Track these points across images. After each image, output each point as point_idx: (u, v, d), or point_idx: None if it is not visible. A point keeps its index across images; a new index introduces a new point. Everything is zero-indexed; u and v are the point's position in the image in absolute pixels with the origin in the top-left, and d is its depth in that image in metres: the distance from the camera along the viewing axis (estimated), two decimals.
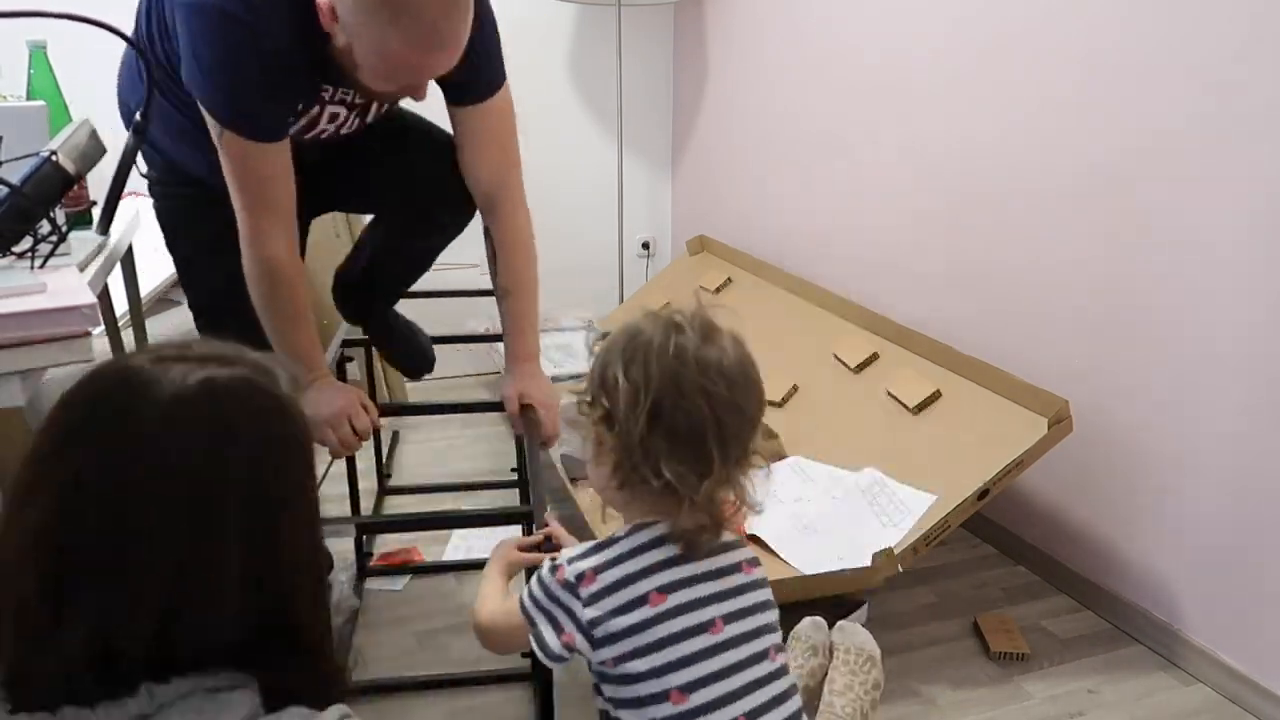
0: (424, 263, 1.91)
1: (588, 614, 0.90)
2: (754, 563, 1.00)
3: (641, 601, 0.90)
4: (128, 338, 2.04)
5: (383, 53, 1.21)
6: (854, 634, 1.40)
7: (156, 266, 2.48)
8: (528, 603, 0.96)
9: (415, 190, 1.67)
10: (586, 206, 3.65)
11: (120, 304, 2.05)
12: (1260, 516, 1.65)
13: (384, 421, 2.07)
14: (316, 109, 1.44)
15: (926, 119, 2.34)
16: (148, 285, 2.38)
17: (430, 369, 1.98)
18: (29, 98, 1.57)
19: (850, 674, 1.35)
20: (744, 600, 0.95)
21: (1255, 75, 1.57)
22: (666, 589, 0.91)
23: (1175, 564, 1.81)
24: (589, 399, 0.96)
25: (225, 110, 1.32)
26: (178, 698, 0.62)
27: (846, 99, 2.66)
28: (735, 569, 0.96)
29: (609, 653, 0.90)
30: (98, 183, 1.51)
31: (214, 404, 0.64)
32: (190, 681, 0.64)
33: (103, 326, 1.77)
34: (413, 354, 2.00)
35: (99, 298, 1.43)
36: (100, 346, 1.92)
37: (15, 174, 1.19)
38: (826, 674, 1.40)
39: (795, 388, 2.33)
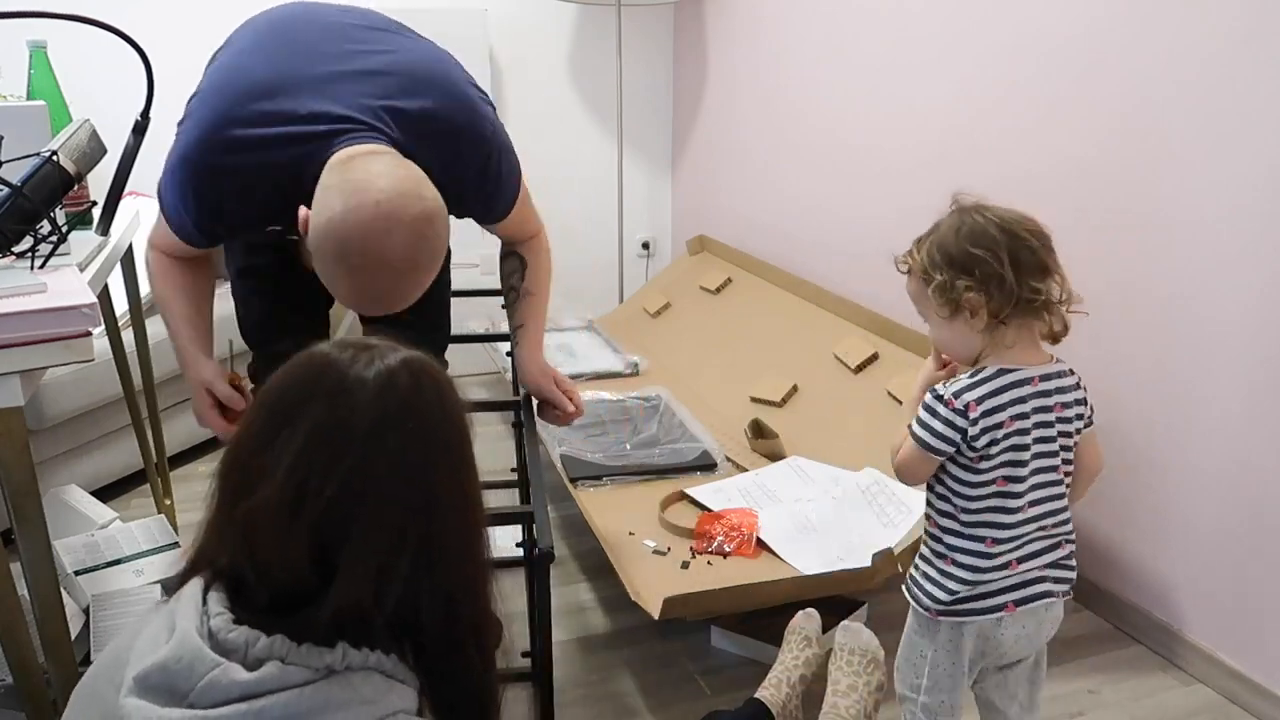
0: None
1: (972, 431, 1.20)
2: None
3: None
4: (128, 338, 2.04)
5: (330, 283, 1.23)
6: (857, 635, 1.41)
7: None
8: (919, 430, 1.22)
9: None
10: (586, 206, 3.65)
11: (120, 304, 2.04)
12: (1260, 517, 1.65)
13: None
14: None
15: (926, 118, 2.34)
16: (148, 285, 2.39)
17: None
18: (29, 98, 1.57)
19: (854, 675, 1.35)
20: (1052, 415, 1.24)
21: (1251, 67, 1.57)
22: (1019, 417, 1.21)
23: (1175, 564, 1.81)
24: (946, 281, 1.21)
25: (169, 218, 1.39)
26: (362, 667, 0.67)
27: (846, 98, 2.66)
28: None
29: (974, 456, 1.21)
30: (98, 183, 1.51)
31: (414, 377, 0.73)
32: (375, 657, 0.69)
33: (103, 326, 1.77)
34: None
35: (99, 298, 1.43)
36: (100, 346, 1.93)
37: (15, 174, 1.19)
38: (821, 664, 1.42)
39: (795, 388, 2.33)
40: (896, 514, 1.82)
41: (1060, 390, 1.25)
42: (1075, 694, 1.72)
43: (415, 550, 0.71)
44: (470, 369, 3.41)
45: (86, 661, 1.37)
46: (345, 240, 1.15)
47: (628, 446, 2.30)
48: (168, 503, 2.16)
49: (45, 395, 2.15)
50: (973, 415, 1.19)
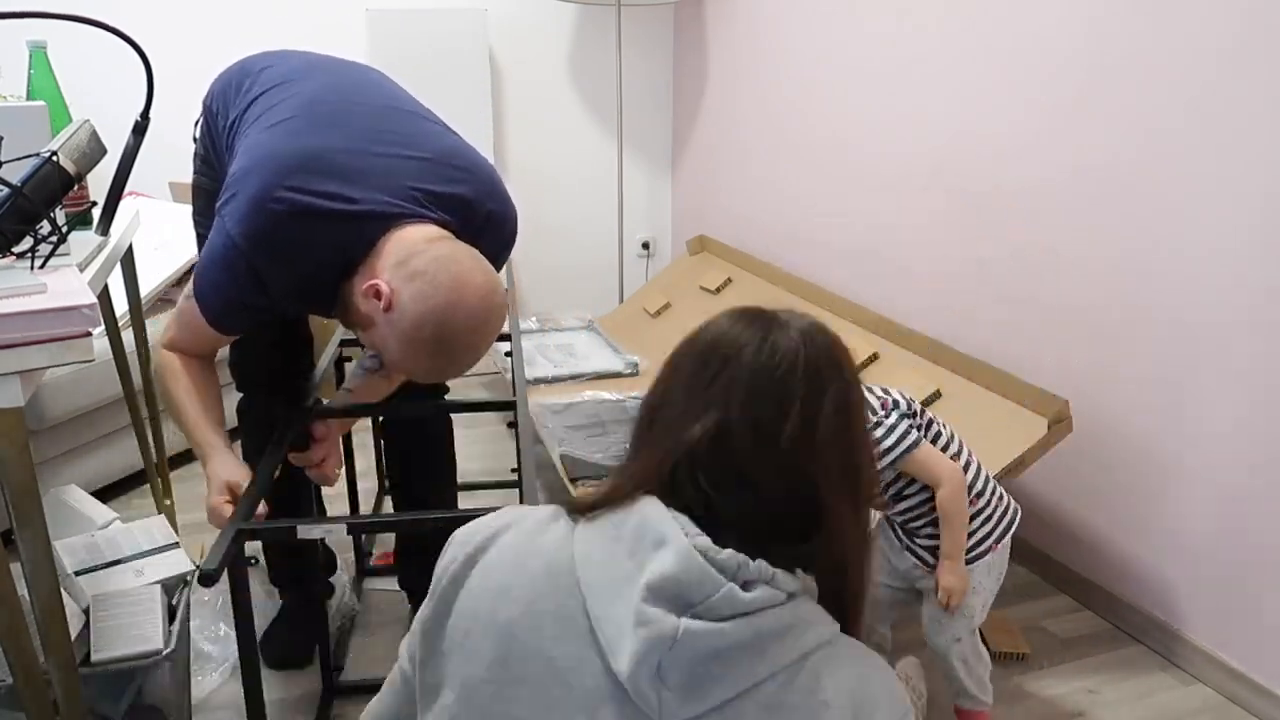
0: (443, 467, 1.93)
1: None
2: None
3: None
4: (128, 338, 2.04)
5: (405, 358, 1.29)
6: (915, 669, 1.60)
7: (156, 266, 2.48)
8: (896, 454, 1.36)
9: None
10: (586, 206, 3.65)
11: (120, 304, 2.04)
12: (1260, 517, 1.65)
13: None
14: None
15: (927, 119, 2.34)
16: (148, 285, 2.39)
17: None
18: (29, 98, 1.57)
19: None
20: None
21: (1253, 75, 1.57)
22: None
23: (1175, 564, 1.81)
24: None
25: (210, 310, 1.37)
26: (807, 592, 0.74)
27: (846, 99, 2.66)
28: None
29: None
30: (98, 183, 1.51)
31: (826, 334, 0.80)
32: (811, 582, 0.75)
33: (103, 326, 1.77)
34: None
35: (99, 298, 1.43)
36: (100, 346, 1.92)
37: (15, 174, 1.19)
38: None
39: None
40: None
41: None
42: (1075, 694, 1.72)
43: (854, 491, 0.78)
44: (472, 369, 3.40)
45: (86, 661, 1.37)
46: (452, 329, 1.25)
47: (628, 446, 2.30)
48: (168, 503, 2.16)
49: (45, 395, 2.15)
50: (894, 396, 1.45)
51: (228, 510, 1.34)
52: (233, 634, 1.84)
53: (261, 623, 1.81)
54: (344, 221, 1.28)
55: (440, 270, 1.24)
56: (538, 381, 2.75)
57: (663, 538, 0.72)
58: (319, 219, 1.28)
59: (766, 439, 0.75)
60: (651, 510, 0.75)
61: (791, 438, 0.74)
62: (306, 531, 1.22)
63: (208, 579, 1.07)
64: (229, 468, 1.39)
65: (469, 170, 1.42)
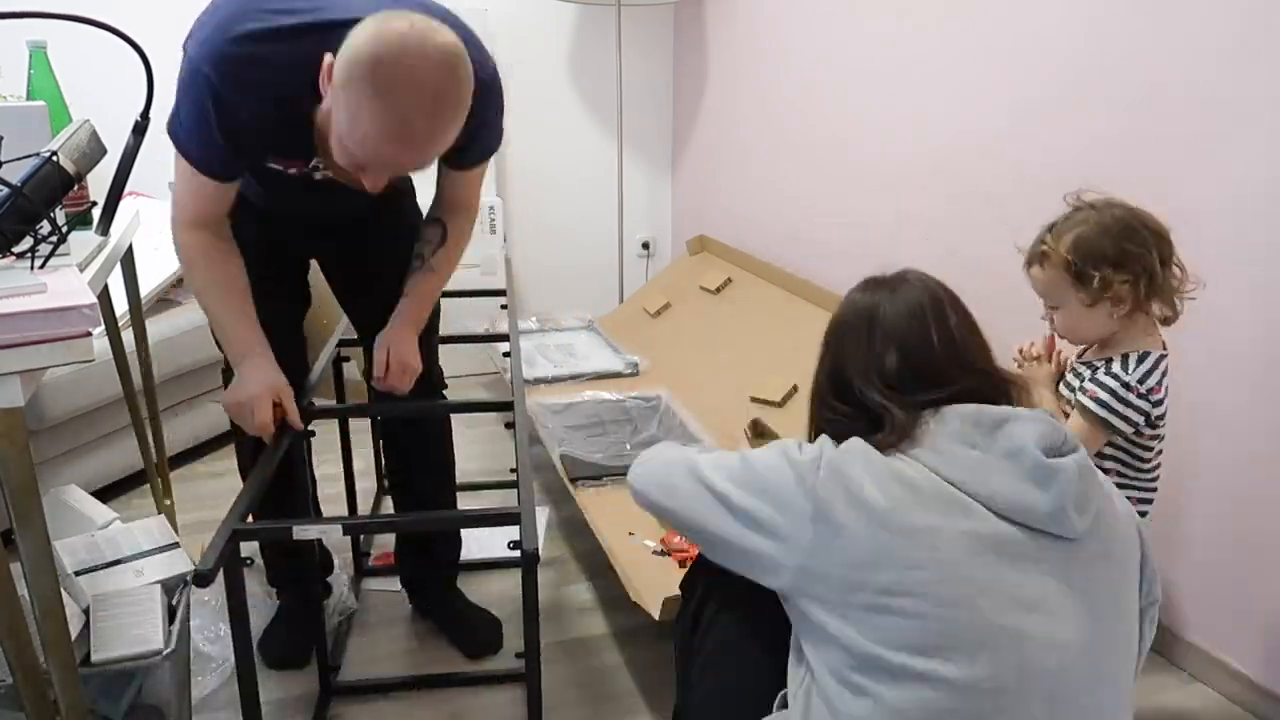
0: (444, 458, 1.91)
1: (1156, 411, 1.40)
2: None
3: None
4: (128, 338, 2.04)
5: (353, 124, 1.20)
6: None
7: (157, 266, 2.48)
8: (1104, 413, 1.38)
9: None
10: (586, 206, 3.65)
11: (120, 304, 2.04)
12: (1261, 518, 1.65)
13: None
14: (288, 169, 1.49)
15: (926, 119, 2.34)
16: (148, 285, 2.39)
17: (491, 651, 1.86)
18: (29, 98, 1.57)
19: None
20: None
21: (1251, 69, 1.57)
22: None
23: (1176, 565, 1.81)
24: (1104, 275, 1.33)
25: (189, 152, 1.37)
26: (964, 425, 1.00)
27: (846, 99, 2.66)
28: None
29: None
30: (98, 183, 1.51)
31: (925, 279, 1.17)
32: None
33: (103, 326, 1.77)
34: (468, 640, 1.88)
35: (99, 298, 1.43)
36: (100, 346, 1.92)
37: (15, 174, 1.19)
38: None
39: (795, 388, 2.33)
40: None
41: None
42: None
43: (987, 356, 1.11)
44: (469, 369, 3.41)
45: (86, 661, 1.37)
46: (377, 57, 1.15)
47: (628, 446, 2.30)
48: (168, 503, 2.16)
49: (45, 395, 2.15)
50: (1155, 399, 1.38)
51: (269, 413, 1.39)
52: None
53: (259, 623, 1.81)
54: (307, 34, 1.26)
55: (369, 22, 1.19)
56: (538, 381, 2.75)
57: (994, 420, 0.98)
58: (281, 38, 1.26)
59: (928, 346, 1.06)
60: (947, 416, 0.99)
61: (943, 341, 1.06)
62: (302, 532, 1.22)
63: (203, 580, 1.08)
64: (270, 373, 1.42)
65: (445, 17, 1.36)
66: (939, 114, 2.29)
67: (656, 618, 1.56)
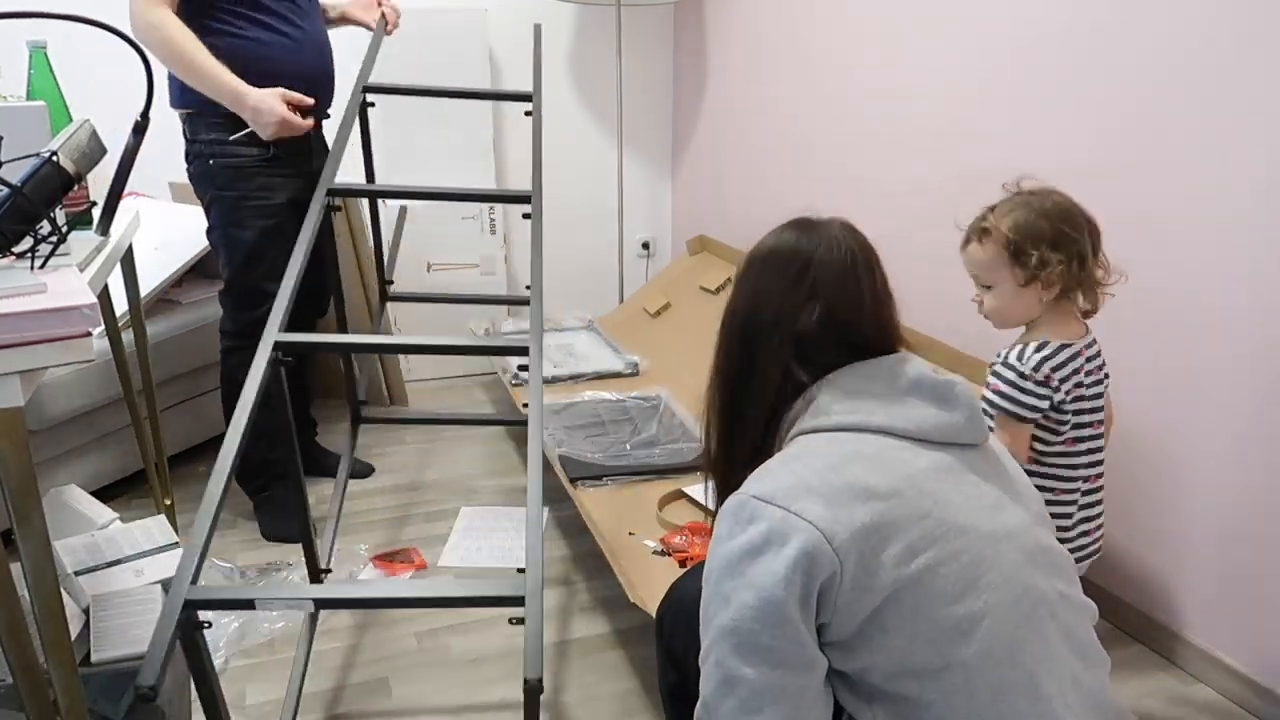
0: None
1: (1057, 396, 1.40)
2: None
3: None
4: (128, 338, 2.04)
5: None
6: None
7: (156, 266, 2.48)
8: (1008, 405, 1.40)
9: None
10: (586, 206, 3.65)
11: (120, 304, 2.04)
12: (1261, 517, 1.65)
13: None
14: None
15: (925, 117, 2.34)
16: (148, 285, 2.39)
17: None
18: (29, 98, 1.57)
19: None
20: None
21: (1251, 62, 1.57)
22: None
23: (1175, 564, 1.81)
24: (1039, 255, 1.35)
25: None
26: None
27: (846, 98, 2.66)
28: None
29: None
30: (98, 183, 1.51)
31: (849, 227, 1.15)
32: None
33: (103, 326, 1.77)
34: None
35: (99, 298, 1.43)
36: (100, 346, 1.92)
37: (15, 174, 1.19)
38: None
39: None
40: None
41: (1091, 358, 1.43)
42: None
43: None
44: (469, 370, 3.41)
45: (86, 661, 1.37)
46: None
47: (628, 446, 2.30)
48: (168, 503, 2.16)
49: (45, 395, 2.15)
50: (1054, 384, 1.38)
51: (293, 114, 1.94)
52: (232, 633, 1.84)
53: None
54: None
55: None
56: None
57: (887, 366, 1.00)
58: None
59: (859, 307, 1.02)
60: (841, 375, 1.01)
61: (872, 302, 1.03)
62: (265, 605, 1.06)
63: (148, 698, 0.90)
64: (266, 92, 1.91)
65: None
66: (939, 113, 2.29)
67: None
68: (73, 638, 1.28)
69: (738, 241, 3.20)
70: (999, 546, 0.93)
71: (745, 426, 1.08)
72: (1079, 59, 1.90)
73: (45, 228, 1.20)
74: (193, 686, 1.60)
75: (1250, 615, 1.69)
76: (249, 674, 1.76)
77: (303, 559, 1.77)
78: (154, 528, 1.72)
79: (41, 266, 1.18)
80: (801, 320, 1.01)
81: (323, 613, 1.94)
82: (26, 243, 1.18)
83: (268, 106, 1.90)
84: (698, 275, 3.18)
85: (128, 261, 1.93)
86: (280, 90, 1.92)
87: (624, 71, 3.43)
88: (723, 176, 3.42)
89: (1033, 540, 0.97)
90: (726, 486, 1.05)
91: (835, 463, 0.93)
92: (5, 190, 1.15)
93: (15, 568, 1.12)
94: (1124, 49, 1.80)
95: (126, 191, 1.54)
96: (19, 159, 1.22)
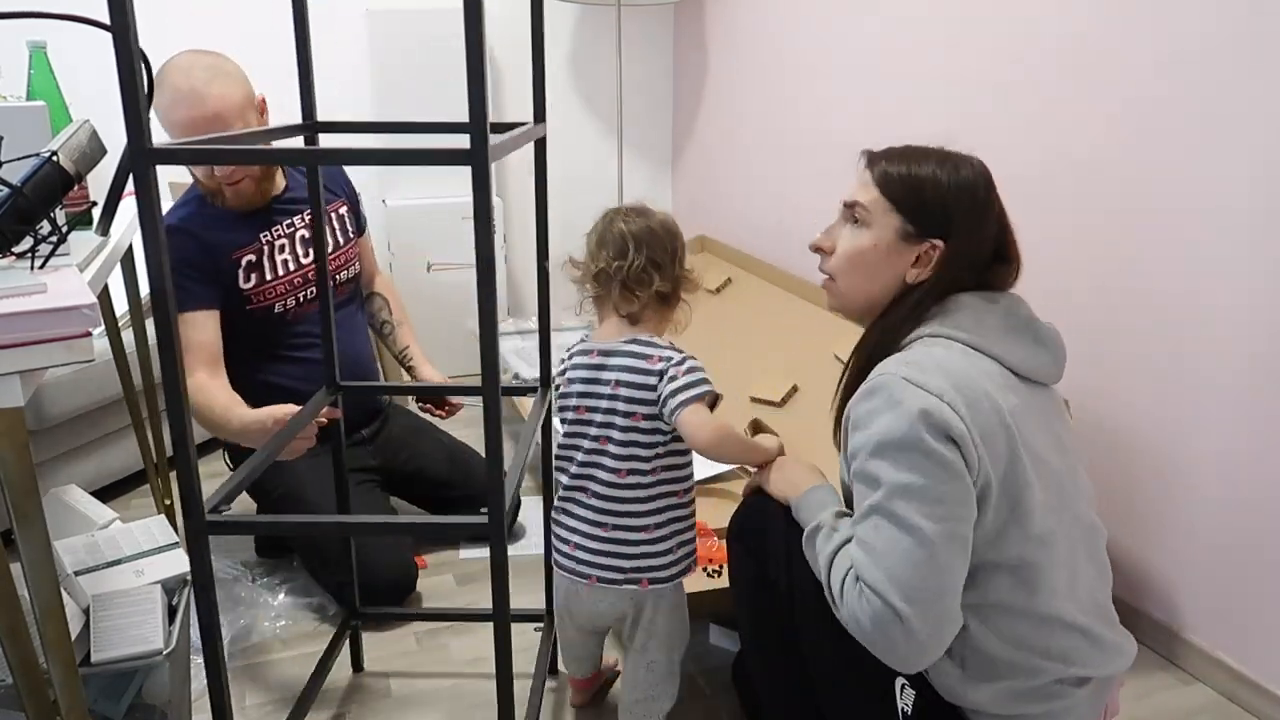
0: None
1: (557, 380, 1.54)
2: None
3: None
4: (128, 338, 2.04)
5: (169, 121, 1.74)
6: None
7: None
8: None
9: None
10: (587, 206, 3.64)
11: (120, 304, 2.04)
12: (1260, 517, 1.65)
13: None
14: (261, 257, 1.95)
15: (926, 117, 2.34)
16: (148, 285, 2.39)
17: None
18: (29, 98, 1.57)
19: None
20: None
21: (1249, 63, 1.57)
22: None
23: (1175, 564, 1.81)
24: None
25: (182, 303, 1.82)
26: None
27: (847, 98, 2.66)
28: None
29: None
30: (98, 183, 1.51)
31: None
32: None
33: (103, 326, 1.77)
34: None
35: (99, 298, 1.43)
36: (100, 346, 1.92)
37: (15, 174, 1.19)
38: None
39: (795, 388, 2.33)
40: None
41: (623, 369, 1.41)
42: None
43: None
44: (469, 369, 3.40)
45: (86, 661, 1.37)
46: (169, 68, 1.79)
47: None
48: (168, 503, 2.16)
49: (45, 395, 2.15)
50: (561, 367, 1.48)
51: (285, 412, 1.73)
52: (232, 634, 1.84)
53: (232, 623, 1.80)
54: None
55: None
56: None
57: (995, 298, 1.22)
58: None
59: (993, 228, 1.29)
60: (960, 299, 1.23)
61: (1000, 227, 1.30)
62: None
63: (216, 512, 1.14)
64: (270, 409, 1.76)
65: None
66: (939, 113, 2.29)
67: None
68: (73, 638, 1.28)
69: (738, 241, 3.21)
70: (1065, 481, 1.16)
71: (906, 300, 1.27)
72: (1079, 59, 1.90)
73: (45, 228, 1.20)
74: (193, 687, 1.61)
75: (1250, 615, 1.69)
76: (249, 674, 1.76)
77: None
78: (154, 528, 1.71)
79: (41, 266, 1.18)
80: (983, 243, 1.26)
81: (323, 614, 1.94)
82: (26, 243, 1.18)
83: (274, 418, 1.74)
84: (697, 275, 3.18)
85: (128, 261, 1.93)
86: (277, 412, 1.74)
87: (624, 71, 3.43)
88: (723, 176, 3.42)
89: (1081, 477, 1.21)
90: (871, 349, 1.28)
91: (967, 367, 1.12)
92: (5, 190, 1.15)
93: (15, 568, 1.12)
94: (1124, 49, 1.80)
95: (126, 191, 1.54)
96: (19, 159, 1.22)
